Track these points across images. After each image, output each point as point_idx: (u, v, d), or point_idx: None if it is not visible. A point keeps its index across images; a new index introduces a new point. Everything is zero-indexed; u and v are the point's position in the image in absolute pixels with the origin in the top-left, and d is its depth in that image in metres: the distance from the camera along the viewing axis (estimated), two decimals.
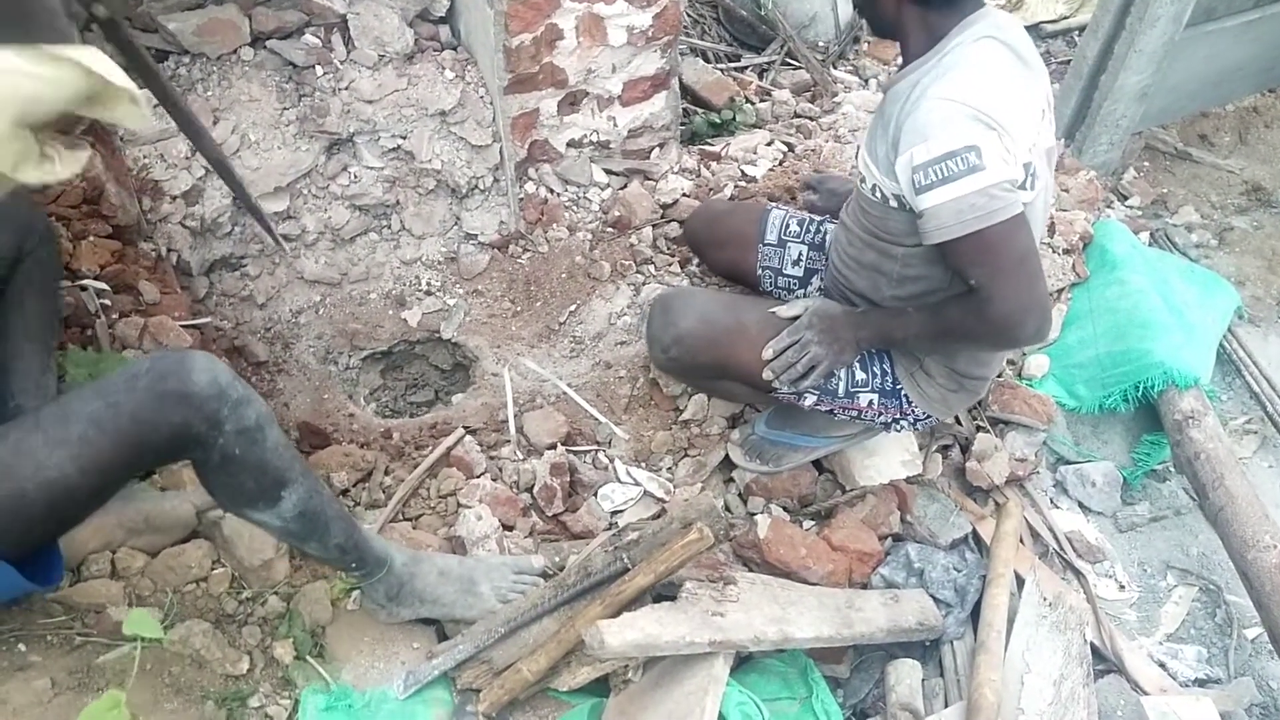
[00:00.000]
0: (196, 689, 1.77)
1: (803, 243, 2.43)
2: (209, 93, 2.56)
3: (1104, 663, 2.27)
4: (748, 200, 2.92)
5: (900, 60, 2.02)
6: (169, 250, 2.56)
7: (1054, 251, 2.98)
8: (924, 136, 1.78)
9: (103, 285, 2.27)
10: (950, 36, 1.86)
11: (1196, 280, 3.10)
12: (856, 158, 2.08)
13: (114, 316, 2.28)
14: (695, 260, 2.83)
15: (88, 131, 2.37)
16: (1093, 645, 2.24)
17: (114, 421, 1.45)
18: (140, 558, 1.90)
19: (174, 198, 2.53)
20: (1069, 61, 3.56)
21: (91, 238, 2.31)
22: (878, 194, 1.98)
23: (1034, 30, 4.27)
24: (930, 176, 1.78)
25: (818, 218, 2.47)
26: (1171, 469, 2.73)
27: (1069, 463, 2.69)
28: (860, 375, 2.17)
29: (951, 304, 1.98)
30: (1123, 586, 2.49)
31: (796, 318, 2.14)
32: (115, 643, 1.74)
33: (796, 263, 2.44)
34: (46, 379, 1.95)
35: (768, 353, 2.11)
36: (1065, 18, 4.27)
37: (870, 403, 2.20)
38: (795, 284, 2.46)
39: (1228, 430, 2.68)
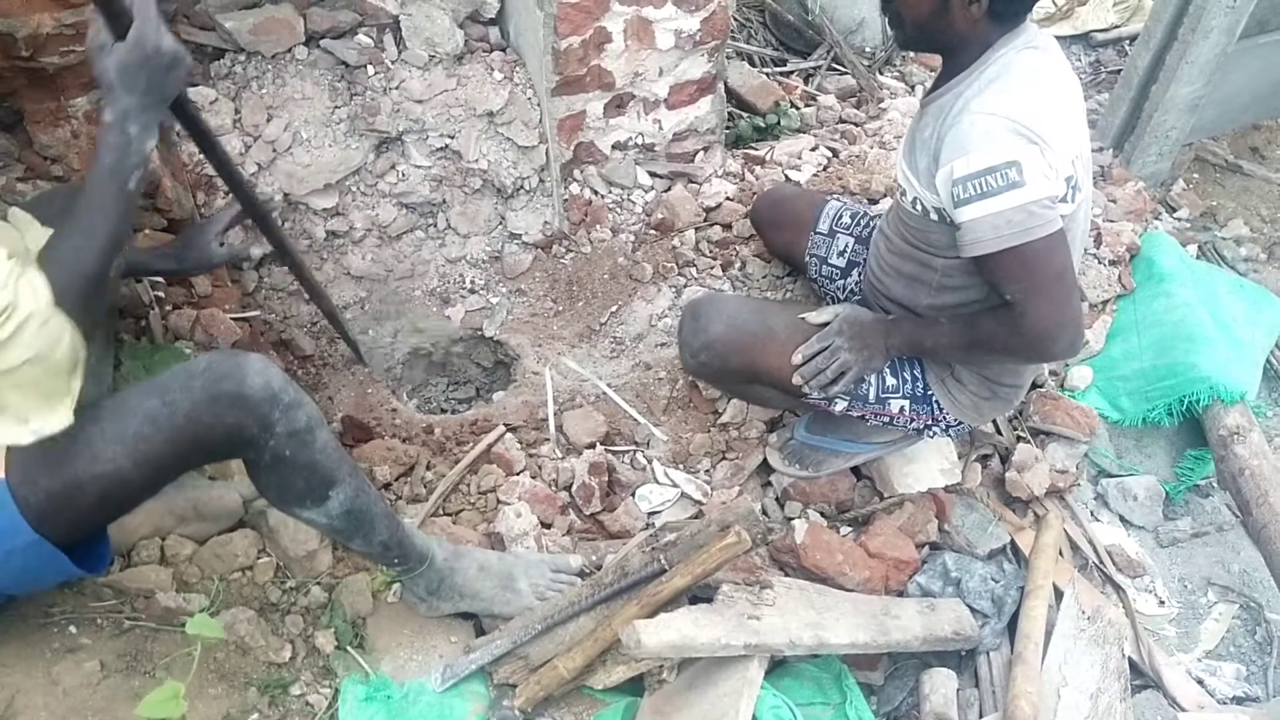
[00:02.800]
0: (240, 675, 1.81)
1: (850, 235, 2.44)
2: (263, 90, 2.61)
3: (1142, 678, 2.25)
4: (812, 189, 2.94)
5: (937, 73, 2.01)
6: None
7: (1100, 262, 2.96)
8: (965, 150, 1.78)
9: (159, 279, 2.31)
10: (995, 48, 1.85)
11: (1245, 295, 3.06)
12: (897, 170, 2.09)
13: (167, 309, 2.33)
14: (737, 264, 2.84)
15: None
16: (1131, 660, 2.23)
17: (169, 420, 1.50)
18: (188, 545, 1.94)
19: (227, 193, 2.56)
20: (1119, 71, 3.53)
21: (147, 231, 2.36)
22: (918, 207, 1.98)
23: (1084, 39, 4.24)
24: (969, 190, 1.77)
25: (870, 212, 2.48)
26: (1215, 484, 2.70)
27: (1110, 476, 2.67)
28: (891, 381, 2.17)
29: (985, 317, 1.97)
30: (1162, 602, 2.47)
31: (826, 324, 2.14)
32: (163, 628, 1.79)
33: (841, 254, 2.45)
34: (103, 366, 2.00)
35: (797, 357, 2.12)
36: (1116, 27, 4.23)
37: (901, 409, 2.19)
38: (837, 274, 2.46)
39: (1273, 447, 2.64)
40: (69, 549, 1.54)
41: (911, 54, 3.90)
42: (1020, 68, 1.83)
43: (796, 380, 2.13)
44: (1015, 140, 1.75)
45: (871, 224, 2.43)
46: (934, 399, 2.18)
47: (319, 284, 2.49)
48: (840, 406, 2.19)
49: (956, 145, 1.80)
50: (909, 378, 2.18)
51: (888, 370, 2.17)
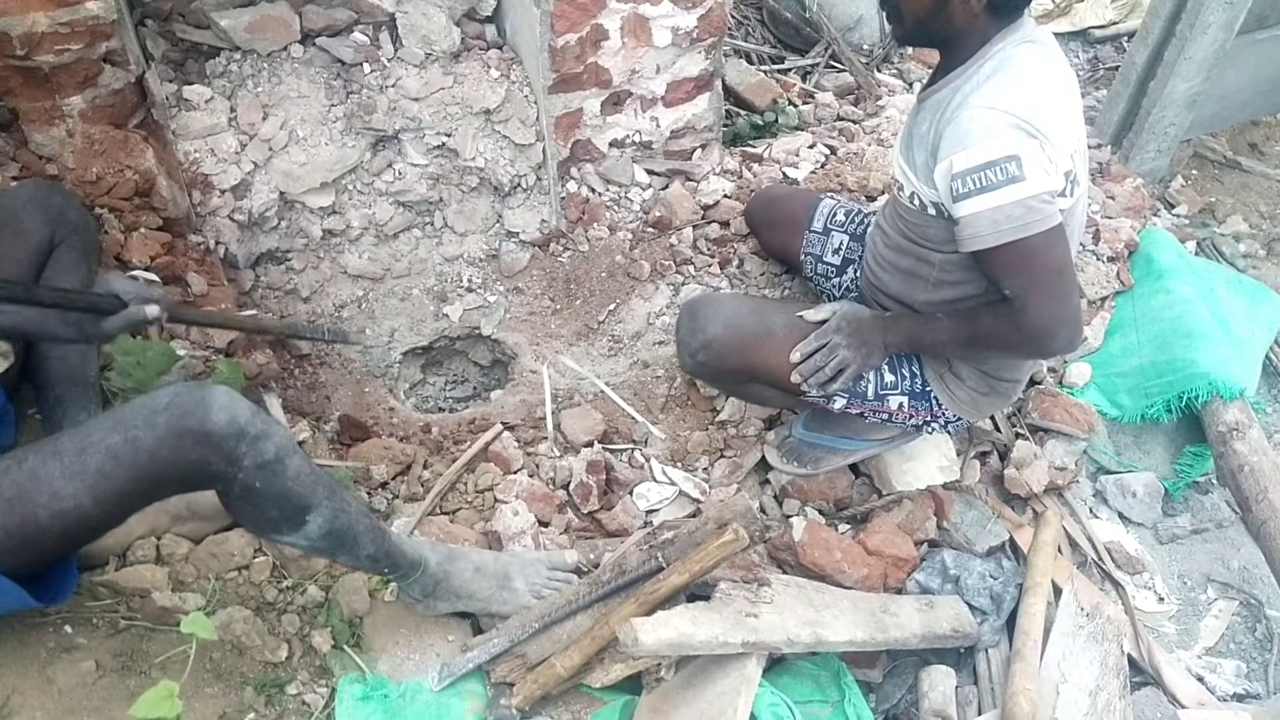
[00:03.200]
0: (236, 675, 1.80)
1: (845, 232, 2.44)
2: (259, 89, 2.60)
3: (1141, 675, 2.25)
4: (805, 188, 2.93)
5: (934, 68, 2.00)
6: (217, 243, 2.60)
7: (1098, 259, 2.96)
8: (964, 145, 1.77)
9: (152, 276, 2.30)
10: (993, 42, 1.85)
11: (1244, 291, 3.05)
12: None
13: None
14: (735, 262, 2.83)
15: (141, 125, 2.42)
16: (1130, 657, 2.22)
17: (131, 457, 1.47)
18: (184, 544, 1.93)
19: (223, 192, 2.57)
20: (1117, 67, 3.52)
21: (143, 230, 2.36)
22: (916, 201, 1.98)
23: (1082, 36, 4.24)
24: (968, 185, 1.77)
25: (865, 210, 2.48)
26: (1214, 481, 2.69)
27: (1109, 472, 2.66)
28: (889, 378, 2.17)
29: (984, 312, 1.97)
30: (1162, 599, 2.46)
31: (824, 321, 2.14)
32: (159, 628, 1.78)
33: (836, 251, 2.45)
34: (85, 366, 1.99)
35: (795, 355, 2.12)
36: (1114, 23, 4.23)
37: (900, 405, 2.19)
38: (832, 272, 2.46)
39: (1272, 443, 2.64)
40: (32, 578, 1.53)
41: (909, 50, 3.90)
42: (1018, 62, 1.82)
43: (795, 378, 2.12)
44: (1015, 134, 1.74)
45: (866, 221, 2.43)
46: (932, 395, 2.18)
47: (268, 325, 2.55)
48: (839, 404, 2.18)
49: (955, 140, 1.79)
50: (907, 374, 2.17)
51: (886, 367, 2.16)
